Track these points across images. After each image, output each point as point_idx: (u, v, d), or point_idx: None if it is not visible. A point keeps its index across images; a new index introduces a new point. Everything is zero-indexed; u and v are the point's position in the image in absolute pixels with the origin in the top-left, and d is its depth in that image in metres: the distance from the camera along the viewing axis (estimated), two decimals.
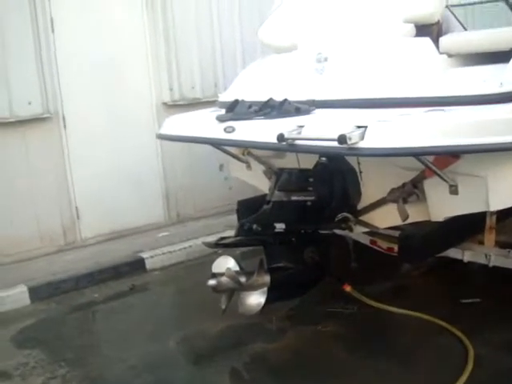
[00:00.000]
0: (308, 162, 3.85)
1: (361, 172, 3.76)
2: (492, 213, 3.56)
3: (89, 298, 4.62)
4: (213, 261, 5.26)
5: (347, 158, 3.71)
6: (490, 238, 3.73)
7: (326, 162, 3.75)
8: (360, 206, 3.87)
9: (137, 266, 5.04)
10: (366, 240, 4.37)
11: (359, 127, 2.75)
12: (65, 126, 5.25)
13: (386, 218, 3.78)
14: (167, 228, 5.86)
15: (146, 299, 4.63)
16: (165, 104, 5.81)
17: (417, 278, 4.52)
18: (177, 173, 6.01)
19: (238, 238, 3.71)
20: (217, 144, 4.00)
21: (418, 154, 2.75)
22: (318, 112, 3.37)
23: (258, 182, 4.61)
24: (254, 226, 3.63)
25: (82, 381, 3.37)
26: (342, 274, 4.11)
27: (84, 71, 5.35)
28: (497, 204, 3.11)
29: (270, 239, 3.73)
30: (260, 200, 4.59)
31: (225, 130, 3.37)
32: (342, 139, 2.63)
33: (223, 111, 3.83)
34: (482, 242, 3.78)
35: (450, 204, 3.30)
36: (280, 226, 3.68)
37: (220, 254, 4.28)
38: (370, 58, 3.61)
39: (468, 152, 2.78)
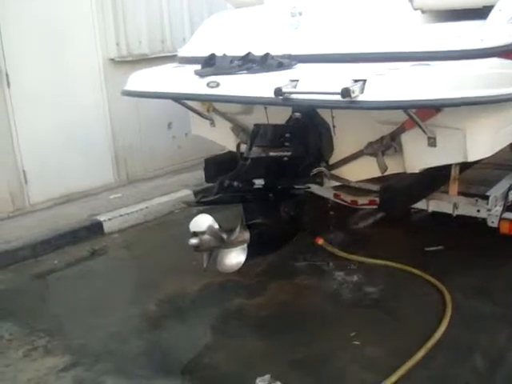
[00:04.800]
0: (277, 118, 3.84)
1: (334, 126, 3.79)
2: (456, 164, 3.74)
3: (48, 265, 4.42)
4: (171, 221, 5.29)
5: (321, 112, 3.74)
6: (453, 187, 3.92)
7: (300, 116, 3.76)
8: (332, 160, 3.94)
9: (95, 229, 4.86)
10: (329, 194, 4.47)
11: (357, 81, 2.77)
12: (8, 84, 4.88)
13: (358, 171, 3.87)
14: (118, 190, 5.67)
15: (111, 263, 4.49)
16: (112, 60, 5.54)
17: (378, 228, 4.71)
18: (125, 132, 5.79)
19: (218, 195, 3.65)
20: (201, 100, 3.86)
21: (417, 106, 2.81)
22: (301, 66, 3.35)
23: (222, 140, 4.55)
24: (235, 183, 3.59)
25: (66, 350, 3.24)
26: (315, 228, 4.17)
27: (28, 28, 4.98)
28: (474, 155, 3.25)
29: (250, 196, 3.72)
30: (227, 157, 4.58)
31: (208, 85, 3.27)
32: (345, 92, 2.64)
33: (191, 66, 3.73)
34: (445, 192, 3.98)
35: (427, 156, 3.42)
36: (259, 182, 3.67)
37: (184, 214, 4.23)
38: (345, 13, 3.61)
39: (464, 104, 2.84)
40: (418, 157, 3.47)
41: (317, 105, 2.91)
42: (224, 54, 3.41)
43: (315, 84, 2.86)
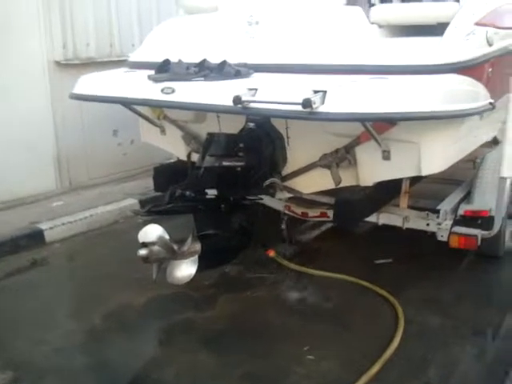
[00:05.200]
0: (230, 127, 3.78)
1: (288, 137, 3.76)
2: (407, 178, 3.79)
3: None
4: (116, 231, 5.11)
5: (275, 122, 3.70)
6: (404, 201, 3.96)
7: (254, 127, 3.71)
8: (285, 171, 3.90)
9: (35, 238, 4.63)
10: (280, 206, 4.43)
11: (317, 92, 2.75)
12: None
13: (311, 183, 3.86)
14: (60, 197, 5.43)
15: (53, 274, 4.26)
16: (57, 63, 5.32)
17: (325, 241, 4.69)
18: (69, 138, 5.57)
19: (169, 205, 3.54)
20: (155, 106, 3.75)
21: (378, 119, 2.81)
22: (258, 76, 3.29)
23: (173, 148, 4.45)
24: (187, 193, 3.49)
25: (7, 366, 3.03)
26: (265, 240, 4.11)
27: None
28: (428, 169, 3.29)
29: (201, 206, 3.62)
30: (177, 166, 4.47)
31: (162, 90, 3.17)
32: (306, 103, 2.60)
33: (143, 71, 3.62)
34: (396, 206, 4.01)
35: (381, 169, 3.44)
36: (212, 192, 3.58)
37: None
38: (302, 24, 3.58)
39: (422, 119, 2.86)
40: (372, 170, 3.49)
41: (276, 114, 2.86)
42: (179, 60, 3.32)
43: (274, 94, 2.82)
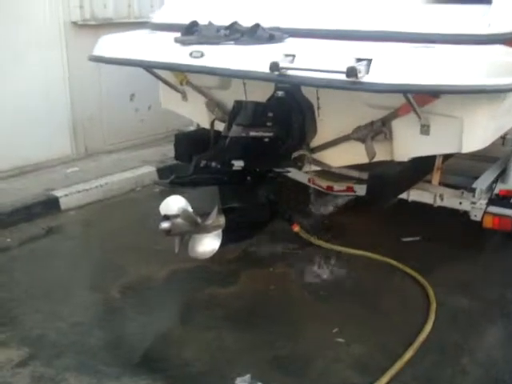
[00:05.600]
0: (257, 95, 3.58)
1: (319, 108, 3.56)
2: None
3: (1, 243, 4.01)
4: (132, 200, 4.96)
5: (305, 92, 3.50)
6: (436, 177, 3.79)
7: (284, 95, 3.52)
8: (313, 143, 3.72)
9: (50, 205, 4.48)
10: (303, 178, 4.25)
11: (360, 60, 2.54)
12: None
13: (342, 156, 3.67)
14: (75, 163, 5.27)
15: (69, 243, 4.12)
16: (74, 23, 5.11)
17: (351, 216, 4.53)
18: (85, 102, 5.37)
19: (194, 176, 3.37)
20: (182, 71, 3.52)
21: (426, 90, 2.59)
22: (292, 41, 3.08)
23: (195, 115, 4.26)
24: (213, 164, 3.32)
25: (22, 342, 2.91)
26: (291, 214, 3.94)
27: None
28: (469, 146, 3.08)
29: (227, 178, 3.45)
30: (199, 134, 4.28)
31: (190, 54, 2.96)
32: (351, 72, 2.40)
33: (167, 33, 3.41)
34: (427, 182, 3.83)
35: (418, 144, 3.24)
36: (238, 164, 3.41)
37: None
38: None
39: (474, 92, 2.65)
40: (408, 145, 3.29)
41: (316, 83, 2.64)
42: (209, 22, 3.10)
43: (314, 61, 2.60)
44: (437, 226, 4.22)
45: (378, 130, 3.30)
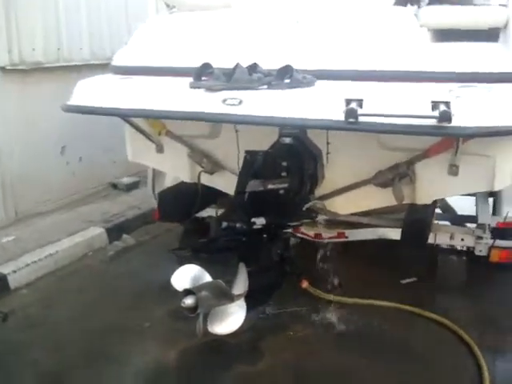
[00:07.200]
0: (254, 143, 3.28)
1: (328, 153, 3.35)
2: None
3: None
4: (88, 268, 4.29)
5: (313, 137, 3.27)
6: None
7: (291, 141, 3.25)
8: (320, 192, 3.47)
9: None
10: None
11: (436, 102, 2.35)
12: None
13: (351, 203, 3.47)
14: (8, 230, 4.48)
15: (33, 334, 3.34)
16: (2, 68, 4.38)
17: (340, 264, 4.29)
18: (12, 157, 4.62)
19: (217, 240, 2.95)
20: (218, 121, 3.03)
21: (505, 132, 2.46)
22: (323, 83, 2.81)
23: (173, 168, 3.80)
24: (238, 225, 2.93)
25: None
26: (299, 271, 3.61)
27: None
28: (500, 183, 3.04)
29: (246, 238, 3.06)
30: (183, 189, 3.83)
31: (224, 102, 2.57)
32: (445, 116, 2.20)
33: (143, 78, 3.05)
34: None
35: (445, 185, 3.13)
36: (260, 222, 3.05)
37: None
38: (349, 26, 3.14)
39: None
40: (435, 186, 3.17)
41: (405, 130, 2.37)
42: (238, 64, 2.70)
43: (390, 105, 2.36)
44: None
45: (403, 173, 3.14)
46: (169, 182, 4.28)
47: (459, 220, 3.99)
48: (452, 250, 4.07)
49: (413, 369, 2.99)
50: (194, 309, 2.76)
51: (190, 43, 3.38)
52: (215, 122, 3.15)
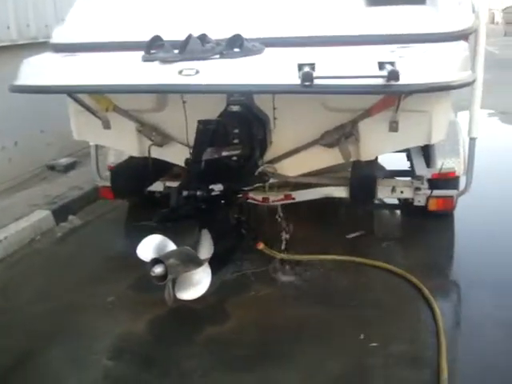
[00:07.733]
0: (201, 112, 3.34)
1: (275, 118, 3.48)
2: None
3: None
4: (38, 252, 4.23)
5: (259, 103, 3.38)
6: None
7: (239, 109, 3.35)
8: (269, 156, 3.60)
9: None
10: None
11: (383, 63, 2.52)
12: None
13: (301, 165, 3.63)
14: None
15: None
16: None
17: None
18: None
19: (179, 209, 3.01)
20: (176, 91, 3.07)
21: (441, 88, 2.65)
22: (268, 50, 2.91)
23: (121, 143, 3.82)
24: (198, 192, 3.01)
25: None
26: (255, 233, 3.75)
27: None
28: (437, 137, 3.27)
29: (205, 205, 3.15)
30: (134, 163, 3.85)
31: (180, 72, 2.63)
32: (393, 75, 2.37)
33: (88, 54, 3.05)
34: None
35: (387, 141, 3.34)
36: (218, 188, 3.14)
37: None
38: None
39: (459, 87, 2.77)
40: (377, 143, 3.37)
41: (357, 91, 2.50)
42: (190, 36, 2.74)
43: (339, 68, 2.50)
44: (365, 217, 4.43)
45: (349, 132, 3.32)
46: (112, 158, 4.30)
47: (393, 175, 4.24)
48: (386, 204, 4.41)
49: (372, 313, 3.21)
50: (163, 277, 2.83)
51: (134, 16, 3.41)
52: (173, 93, 3.20)
